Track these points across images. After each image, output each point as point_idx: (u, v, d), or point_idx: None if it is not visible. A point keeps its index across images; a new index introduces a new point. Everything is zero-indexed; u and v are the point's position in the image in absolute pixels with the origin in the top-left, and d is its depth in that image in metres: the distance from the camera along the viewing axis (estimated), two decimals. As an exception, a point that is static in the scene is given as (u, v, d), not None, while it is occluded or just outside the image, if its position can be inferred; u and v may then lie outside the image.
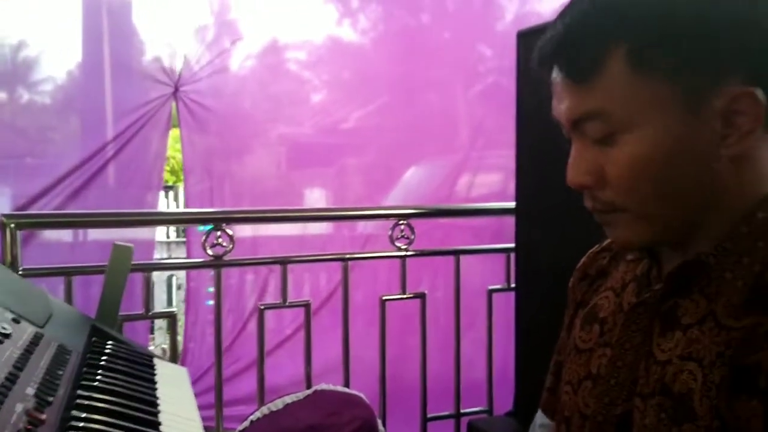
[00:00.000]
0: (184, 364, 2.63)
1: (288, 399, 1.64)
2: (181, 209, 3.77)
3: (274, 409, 1.61)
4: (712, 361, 0.60)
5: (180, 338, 2.30)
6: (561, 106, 0.65)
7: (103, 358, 0.87)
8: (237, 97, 3.52)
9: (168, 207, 5.57)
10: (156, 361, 0.98)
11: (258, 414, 1.59)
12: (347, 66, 3.67)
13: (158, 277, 3.56)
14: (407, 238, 1.80)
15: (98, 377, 0.79)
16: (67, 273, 1.45)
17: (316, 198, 3.66)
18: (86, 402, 0.71)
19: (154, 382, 0.88)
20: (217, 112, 3.39)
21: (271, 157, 3.67)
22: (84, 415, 0.66)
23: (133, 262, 1.69)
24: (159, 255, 3.50)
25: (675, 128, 0.61)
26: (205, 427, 2.62)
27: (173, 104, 3.06)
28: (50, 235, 2.73)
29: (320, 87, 3.82)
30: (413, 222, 1.81)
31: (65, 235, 2.74)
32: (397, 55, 3.50)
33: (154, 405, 0.78)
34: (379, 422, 1.68)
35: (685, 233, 0.66)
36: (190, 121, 3.08)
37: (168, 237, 4.41)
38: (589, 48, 0.62)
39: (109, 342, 0.96)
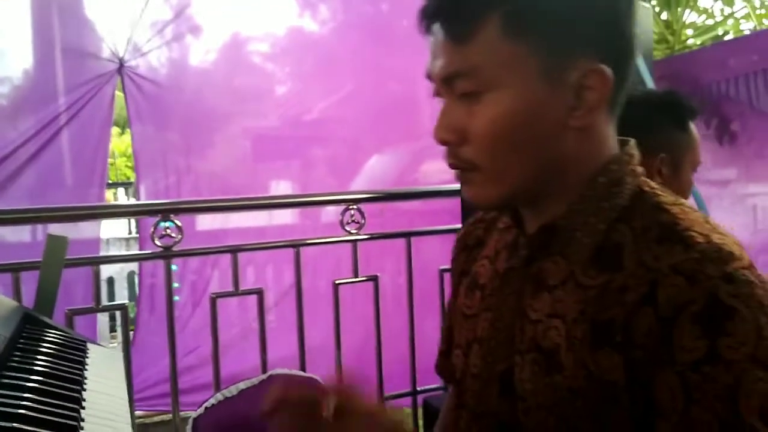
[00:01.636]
0: (137, 356, 2.67)
1: (242, 385, 1.68)
2: (129, 201, 3.78)
3: (229, 395, 1.66)
4: (575, 318, 0.65)
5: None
6: (436, 63, 0.69)
7: (32, 342, 0.91)
8: (199, 92, 3.54)
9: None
10: (90, 345, 1.01)
11: (212, 400, 1.63)
12: (310, 57, 3.70)
13: (119, 274, 3.57)
14: (357, 222, 1.84)
15: (25, 359, 0.83)
16: (13, 269, 1.48)
17: (282, 190, 3.69)
18: (10, 381, 0.74)
19: (84, 364, 0.91)
20: (177, 108, 3.40)
21: (235, 150, 3.69)
22: (7, 392, 0.69)
23: (81, 257, 1.73)
24: (117, 251, 3.51)
25: (532, 94, 0.66)
26: (162, 414, 2.65)
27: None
28: (7, 234, 2.75)
29: (284, 79, 3.84)
30: (365, 207, 1.85)
31: (24, 234, 2.76)
32: (359, 45, 3.54)
33: (80, 384, 0.82)
34: (335, 404, 1.73)
35: (535, 196, 0.71)
36: (144, 117, 3.07)
37: (129, 233, 4.41)
38: (469, 11, 0.66)
39: (42, 328, 0.99)
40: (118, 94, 3.12)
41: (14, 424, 0.60)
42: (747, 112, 2.09)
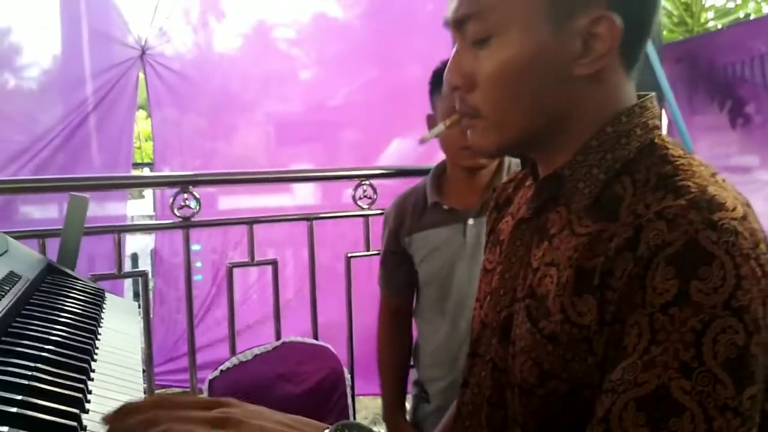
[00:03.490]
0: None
1: (257, 350, 1.77)
2: (148, 173, 3.89)
3: (244, 359, 1.75)
4: (564, 265, 0.65)
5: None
6: (450, 6, 0.70)
7: (52, 285, 1.00)
8: (223, 77, 3.63)
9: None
10: (108, 295, 1.10)
11: (228, 364, 1.73)
12: (334, 43, 3.76)
13: (143, 251, 3.70)
14: (369, 198, 1.91)
15: (42, 299, 0.91)
16: (39, 235, 1.58)
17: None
18: (25, 321, 0.80)
19: (102, 308, 1.00)
20: (202, 92, 3.50)
21: (259, 135, 3.78)
22: (22, 330, 0.76)
23: (104, 225, 1.84)
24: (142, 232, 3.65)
25: (539, 38, 0.65)
26: (180, 380, 2.75)
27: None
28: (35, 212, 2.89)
29: (308, 64, 3.92)
30: (376, 183, 1.92)
31: (52, 212, 2.90)
32: (383, 30, 3.59)
33: (96, 326, 0.90)
34: (346, 371, 1.81)
35: (542, 146, 0.71)
36: (165, 102, 3.18)
37: (154, 212, 4.55)
38: None
39: (64, 277, 1.08)
40: (144, 77, 3.24)
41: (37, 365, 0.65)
42: (762, 94, 2.09)
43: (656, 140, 0.67)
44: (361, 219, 1.91)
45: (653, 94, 0.72)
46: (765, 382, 0.57)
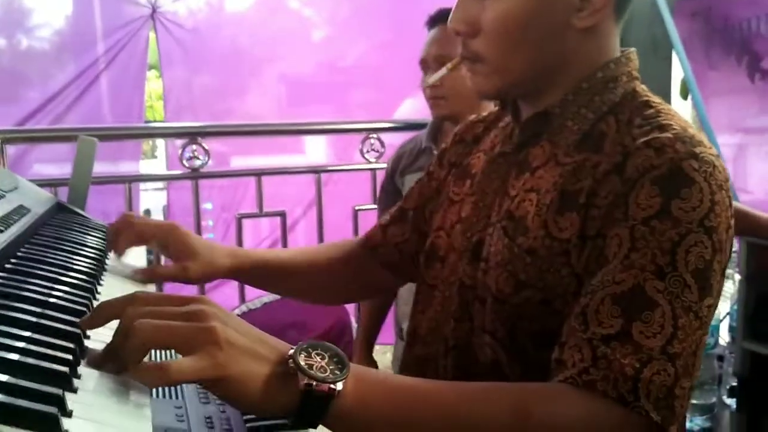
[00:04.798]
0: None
1: (266, 299, 1.81)
2: (157, 124, 3.93)
3: (253, 307, 1.80)
4: (547, 189, 0.72)
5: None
6: None
7: (61, 220, 1.03)
8: (235, 37, 3.64)
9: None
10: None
11: (237, 311, 1.77)
12: (347, 2, 3.75)
13: (155, 208, 3.75)
14: (377, 151, 1.93)
15: (50, 232, 0.94)
16: (51, 184, 1.63)
17: (314, 136, 3.78)
18: (33, 254, 0.80)
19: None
20: (213, 52, 3.51)
21: (270, 95, 3.79)
22: (26, 255, 0.79)
23: (115, 175, 1.88)
24: (154, 190, 3.68)
25: None
26: None
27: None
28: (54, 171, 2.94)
29: (320, 24, 3.91)
30: (385, 138, 1.94)
31: (66, 169, 2.95)
32: (395, -11, 3.57)
33: (103, 262, 0.92)
34: (353, 319, 1.85)
35: (535, 89, 0.76)
36: (176, 61, 3.19)
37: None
38: None
39: (72, 214, 1.12)
40: (155, 36, 3.26)
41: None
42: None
43: (637, 88, 0.75)
44: (369, 172, 1.94)
45: (634, 49, 0.79)
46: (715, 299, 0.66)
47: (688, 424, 1.55)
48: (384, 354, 2.21)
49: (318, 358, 0.54)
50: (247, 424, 0.84)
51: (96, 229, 1.07)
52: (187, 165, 1.75)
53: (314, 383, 0.52)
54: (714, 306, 0.64)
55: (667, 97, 1.97)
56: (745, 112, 2.43)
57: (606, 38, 0.75)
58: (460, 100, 1.39)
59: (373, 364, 1.65)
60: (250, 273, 0.97)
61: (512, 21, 0.72)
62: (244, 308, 1.78)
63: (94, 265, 0.84)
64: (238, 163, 3.33)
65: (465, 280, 0.80)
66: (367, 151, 1.93)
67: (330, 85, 3.69)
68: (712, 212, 0.63)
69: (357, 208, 1.94)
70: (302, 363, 0.53)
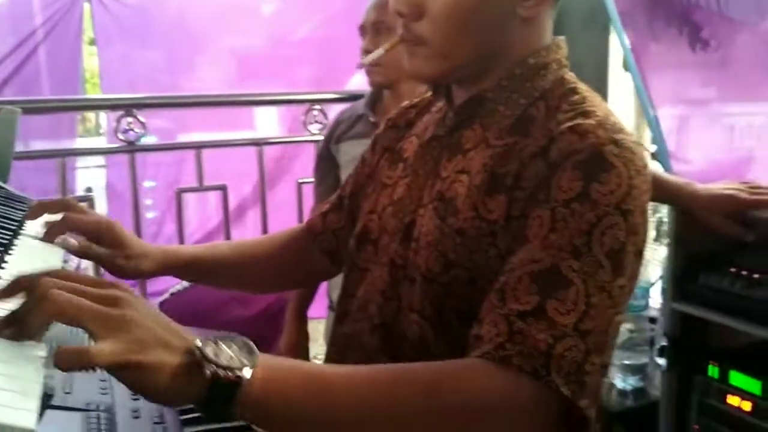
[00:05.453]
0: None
1: (206, 274, 1.80)
2: (91, 95, 3.85)
3: (192, 285, 1.78)
4: (477, 170, 0.74)
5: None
6: None
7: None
8: (182, 10, 3.56)
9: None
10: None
11: (179, 287, 1.76)
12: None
13: (97, 186, 3.68)
14: (321, 123, 1.92)
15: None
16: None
17: (265, 111, 3.74)
18: None
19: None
20: (159, 26, 3.44)
21: (219, 70, 3.74)
22: None
23: (49, 149, 1.84)
24: (96, 168, 3.62)
25: None
26: None
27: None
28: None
29: (270, -2, 3.86)
30: (327, 108, 1.93)
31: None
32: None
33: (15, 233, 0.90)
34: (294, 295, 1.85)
35: (472, 75, 0.79)
36: (113, 36, 3.12)
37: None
38: None
39: (-6, 187, 1.09)
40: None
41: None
42: (716, 18, 2.12)
43: (566, 76, 0.79)
44: (312, 144, 1.93)
45: (563, 37, 0.82)
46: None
47: (621, 384, 1.61)
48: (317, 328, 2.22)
49: (226, 349, 0.54)
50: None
51: (17, 201, 1.05)
52: (122, 138, 1.72)
53: (221, 372, 0.53)
54: (627, 287, 0.67)
55: (605, 68, 2.01)
56: (686, 83, 2.49)
57: (543, 26, 0.78)
58: (396, 69, 1.39)
59: (305, 335, 1.66)
60: (183, 272, 0.98)
61: (461, 7, 0.74)
62: (185, 283, 1.76)
63: (6, 235, 0.83)
64: (184, 139, 3.29)
65: (396, 260, 0.81)
66: (311, 123, 1.92)
67: (280, 59, 3.65)
68: (629, 196, 0.66)
69: (301, 181, 1.94)
70: (209, 352, 0.53)
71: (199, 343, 0.54)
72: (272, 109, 3.68)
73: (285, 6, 3.78)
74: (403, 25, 0.78)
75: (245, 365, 0.54)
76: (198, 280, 1.04)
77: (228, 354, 0.54)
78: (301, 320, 1.70)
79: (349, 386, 0.60)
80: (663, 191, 1.29)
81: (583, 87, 0.78)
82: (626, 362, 1.58)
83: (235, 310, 1.73)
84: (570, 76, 0.80)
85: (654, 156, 2.20)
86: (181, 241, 1.86)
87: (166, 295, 1.75)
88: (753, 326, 1.23)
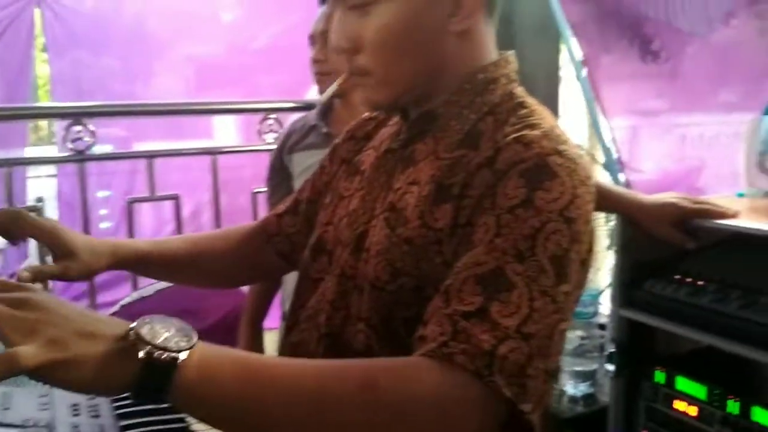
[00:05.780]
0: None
1: (159, 286, 1.78)
2: (39, 103, 3.78)
3: (146, 294, 1.76)
4: (426, 181, 0.76)
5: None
6: None
7: None
8: (140, 16, 3.52)
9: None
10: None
11: (129, 299, 1.73)
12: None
13: (49, 196, 3.60)
14: (276, 132, 1.92)
15: None
16: None
17: (226, 119, 3.71)
18: None
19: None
20: (116, 32, 3.39)
21: (178, 78, 3.70)
22: None
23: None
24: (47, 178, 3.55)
25: (415, 4, 0.75)
26: None
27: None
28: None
29: (231, 5, 3.83)
30: (283, 117, 1.93)
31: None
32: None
33: None
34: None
35: (422, 95, 0.80)
36: (63, 43, 3.07)
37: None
38: None
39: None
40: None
41: None
42: (665, 30, 2.18)
43: (514, 90, 0.81)
44: (268, 154, 1.92)
45: (513, 51, 0.84)
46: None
47: (572, 391, 1.64)
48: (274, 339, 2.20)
49: (163, 331, 0.54)
50: (117, 411, 0.84)
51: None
52: (71, 146, 1.69)
53: (156, 353, 0.52)
54: (573, 295, 0.68)
55: (555, 80, 2.05)
56: (638, 94, 2.55)
57: (481, 39, 0.80)
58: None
59: (261, 347, 1.65)
60: (135, 267, 0.98)
61: (391, 34, 0.76)
62: (135, 296, 1.74)
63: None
64: (141, 148, 3.24)
65: (346, 270, 0.82)
66: (266, 132, 1.92)
67: (240, 68, 3.63)
68: (572, 204, 0.68)
69: (256, 190, 1.93)
70: (144, 333, 0.53)
71: (133, 325, 0.54)
72: (231, 118, 3.66)
73: (244, 14, 3.76)
74: (347, 59, 0.80)
75: (182, 348, 0.53)
76: (151, 274, 1.04)
77: (164, 335, 0.54)
78: (256, 332, 1.68)
79: (285, 376, 0.59)
80: (610, 201, 1.32)
81: (531, 101, 0.80)
82: (576, 369, 1.60)
83: (187, 322, 1.70)
84: (519, 90, 0.81)
85: (604, 166, 2.25)
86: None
87: (116, 308, 1.72)
88: (697, 332, 1.26)
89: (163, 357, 0.52)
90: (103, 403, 0.86)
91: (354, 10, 0.78)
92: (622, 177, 2.34)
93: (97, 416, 0.82)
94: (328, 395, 0.59)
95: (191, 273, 1.03)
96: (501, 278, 0.64)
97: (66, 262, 0.88)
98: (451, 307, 0.64)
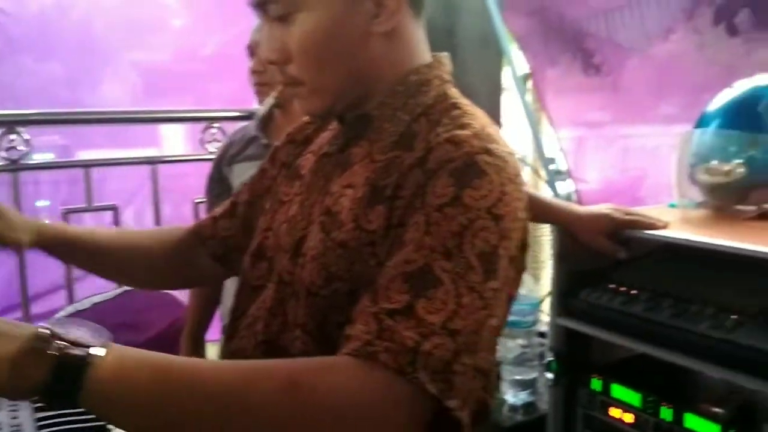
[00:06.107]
0: None
1: (95, 299, 1.74)
2: None
3: (81, 308, 1.71)
4: (361, 184, 0.77)
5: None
6: None
7: None
8: (86, 23, 3.45)
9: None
10: None
11: (63, 313, 1.69)
12: (207, -12, 3.65)
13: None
14: (219, 141, 1.90)
15: None
16: None
17: (173, 129, 3.66)
18: None
19: None
20: (62, 38, 3.31)
21: (125, 85, 3.63)
22: None
23: None
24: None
25: (334, 9, 0.75)
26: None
27: None
28: None
29: (180, 11, 3.78)
30: (226, 126, 1.91)
31: None
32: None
33: None
34: (191, 319, 1.81)
35: (357, 100, 0.81)
36: (10, 47, 2.98)
37: None
38: None
39: None
40: None
41: None
42: (606, 45, 2.24)
43: (448, 91, 0.81)
44: (209, 164, 1.90)
45: (447, 53, 0.85)
46: (509, 289, 0.72)
47: (512, 399, 1.65)
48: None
49: (75, 331, 0.54)
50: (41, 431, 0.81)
51: None
52: (4, 156, 1.64)
53: (69, 350, 0.52)
54: (503, 292, 0.69)
55: (497, 91, 2.08)
56: (582, 107, 2.60)
57: (410, 38, 0.80)
58: None
59: (191, 347, 1.62)
60: (60, 249, 0.96)
61: (314, 42, 0.76)
62: (71, 309, 1.69)
63: None
64: (83, 157, 3.16)
65: (284, 276, 0.82)
66: (209, 141, 1.89)
67: (190, 75, 3.58)
68: (500, 202, 0.68)
69: (197, 200, 1.90)
70: (57, 331, 0.53)
71: (45, 324, 0.53)
72: (179, 127, 3.60)
73: (193, 20, 3.72)
74: (279, 72, 0.80)
75: (94, 345, 0.53)
76: (77, 262, 1.01)
77: (76, 334, 0.53)
78: (197, 345, 1.65)
79: (206, 378, 0.58)
80: (545, 212, 1.35)
81: (464, 102, 0.80)
82: (517, 377, 1.62)
83: (125, 336, 1.67)
84: (453, 91, 0.82)
85: (546, 181, 2.29)
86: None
87: (52, 321, 1.67)
88: (630, 340, 1.29)
89: (75, 353, 0.52)
90: (27, 421, 0.84)
91: (278, 21, 0.78)
92: (563, 188, 2.39)
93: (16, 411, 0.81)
94: (251, 396, 0.58)
95: (119, 266, 1.01)
96: (428, 275, 0.65)
97: None
98: (377, 305, 0.65)
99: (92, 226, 2.80)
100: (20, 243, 0.90)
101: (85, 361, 0.52)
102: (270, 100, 0.95)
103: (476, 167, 0.69)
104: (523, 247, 0.76)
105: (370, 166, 0.77)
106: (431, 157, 0.71)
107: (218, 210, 1.04)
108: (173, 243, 1.03)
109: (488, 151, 0.70)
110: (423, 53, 0.82)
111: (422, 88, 0.80)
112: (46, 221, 0.94)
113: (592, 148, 2.70)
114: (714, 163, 1.36)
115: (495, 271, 0.67)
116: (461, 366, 0.63)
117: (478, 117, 0.77)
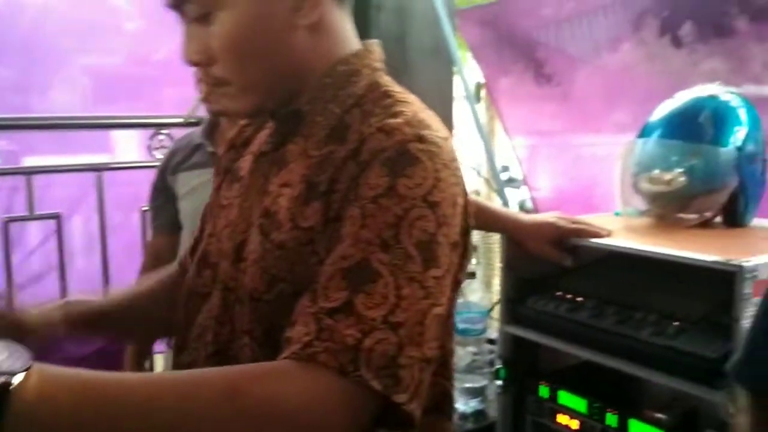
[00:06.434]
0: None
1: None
2: None
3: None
4: (298, 182, 0.75)
5: None
6: None
7: None
8: (37, 25, 3.36)
9: None
10: None
11: None
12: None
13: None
14: (167, 147, 1.86)
15: None
16: None
17: (126, 135, 3.59)
18: None
19: None
20: (11, 42, 3.22)
21: (76, 90, 3.55)
22: None
23: None
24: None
25: (255, 5, 0.73)
26: None
27: None
28: None
29: (132, 14, 3.72)
30: (175, 132, 1.87)
31: None
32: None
33: None
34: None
35: (286, 97, 0.78)
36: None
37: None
38: None
39: None
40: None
41: None
42: (556, 55, 2.27)
43: (379, 80, 0.79)
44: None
45: (377, 40, 0.82)
46: (454, 275, 0.71)
47: (462, 407, 1.66)
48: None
49: None
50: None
51: None
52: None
53: None
54: (444, 278, 0.67)
55: (449, 99, 2.09)
56: (535, 115, 2.64)
57: (336, 28, 0.78)
58: None
59: (149, 371, 1.59)
60: (91, 326, 0.95)
61: (237, 39, 0.73)
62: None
63: None
64: (30, 163, 3.08)
65: (228, 283, 0.80)
66: (156, 148, 1.86)
67: (142, 80, 3.52)
68: (435, 188, 0.67)
69: (144, 208, 1.86)
70: None
71: None
72: (132, 132, 3.53)
73: (147, 24, 3.66)
74: (202, 74, 0.78)
75: (16, 370, 0.50)
76: (104, 332, 1.01)
77: None
78: (142, 357, 1.61)
79: (138, 392, 0.56)
80: (492, 221, 1.36)
81: (396, 89, 0.78)
82: (467, 385, 1.62)
83: (68, 349, 1.61)
84: (384, 79, 0.80)
85: (496, 190, 2.31)
86: (9, 273, 1.72)
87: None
88: (577, 347, 1.30)
89: None
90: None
91: (197, 22, 0.75)
92: (517, 196, 2.41)
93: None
94: (187, 408, 0.56)
95: (147, 324, 1.01)
96: (366, 270, 0.63)
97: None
98: (317, 305, 0.63)
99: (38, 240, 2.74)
100: (56, 333, 0.89)
101: (5, 387, 0.49)
102: (195, 103, 0.93)
103: (409, 155, 0.67)
104: (466, 231, 0.75)
105: (305, 162, 0.76)
106: (364, 149, 0.70)
107: (195, 238, 1.00)
108: (168, 288, 0.99)
109: (421, 138, 0.69)
110: (351, 43, 0.80)
111: (351, 78, 0.78)
112: (65, 306, 0.93)
113: (544, 156, 2.74)
114: (656, 172, 1.39)
115: (436, 259, 0.66)
116: (407, 359, 0.61)
117: (411, 103, 0.75)
